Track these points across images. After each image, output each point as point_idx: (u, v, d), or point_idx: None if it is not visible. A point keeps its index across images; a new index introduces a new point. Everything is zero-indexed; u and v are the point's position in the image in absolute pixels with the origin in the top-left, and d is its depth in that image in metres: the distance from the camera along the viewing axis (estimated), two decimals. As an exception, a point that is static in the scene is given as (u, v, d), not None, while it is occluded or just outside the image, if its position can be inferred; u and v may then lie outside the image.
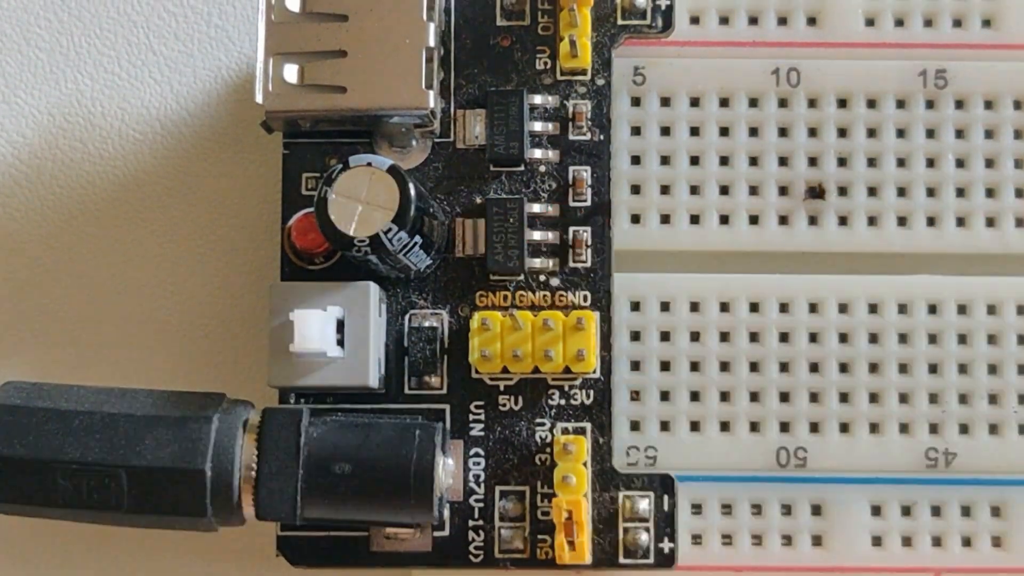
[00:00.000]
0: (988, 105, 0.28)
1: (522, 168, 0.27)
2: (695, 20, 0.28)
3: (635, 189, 0.28)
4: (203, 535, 0.27)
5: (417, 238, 0.26)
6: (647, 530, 0.27)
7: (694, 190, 0.28)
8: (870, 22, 0.28)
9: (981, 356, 0.27)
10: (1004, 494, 0.27)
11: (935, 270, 0.28)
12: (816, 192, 0.28)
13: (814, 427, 0.27)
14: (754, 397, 0.27)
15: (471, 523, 0.27)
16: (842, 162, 0.28)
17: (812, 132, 0.28)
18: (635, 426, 0.27)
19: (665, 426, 0.27)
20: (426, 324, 0.27)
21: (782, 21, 0.28)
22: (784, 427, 0.27)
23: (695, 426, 0.27)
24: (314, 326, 0.26)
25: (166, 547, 0.29)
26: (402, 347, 0.27)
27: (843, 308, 0.27)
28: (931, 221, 0.28)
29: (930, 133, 0.28)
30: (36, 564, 0.29)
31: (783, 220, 0.28)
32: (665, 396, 0.27)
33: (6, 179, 0.30)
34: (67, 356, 0.29)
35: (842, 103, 0.28)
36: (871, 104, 0.28)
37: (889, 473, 0.27)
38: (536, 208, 0.27)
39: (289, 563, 0.27)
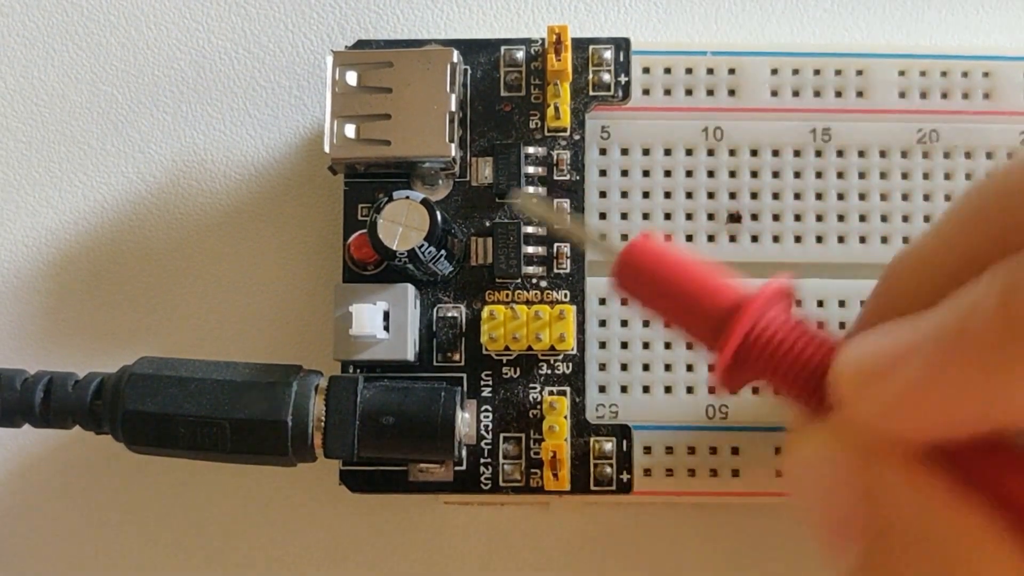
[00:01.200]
0: (861, 154, 0.28)
1: (519, 200, 0.27)
2: (646, 92, 0.28)
3: (602, 216, 0.28)
4: (285, 469, 0.27)
5: (442, 251, 0.26)
6: (611, 465, 0.27)
7: (645, 216, 0.28)
8: (774, 93, 0.28)
9: (855, 338, 0.27)
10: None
11: (821, 275, 0.28)
12: (735, 217, 0.28)
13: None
14: (689, 368, 0.27)
15: (482, 460, 0.27)
16: (754, 195, 0.28)
17: (732, 174, 0.28)
18: (602, 389, 0.27)
19: (624, 389, 0.27)
20: (449, 315, 0.27)
21: (710, 93, 0.28)
22: (711, 390, 0.27)
23: (646, 389, 0.27)
24: (367, 316, 0.26)
25: (258, 478, 0.29)
26: (431, 331, 0.27)
27: (754, 303, 0.27)
28: (819, 239, 0.28)
29: (818, 174, 0.28)
30: (159, 488, 0.29)
31: (711, 238, 0.28)
32: (624, 367, 0.27)
33: (141, 208, 0.30)
34: (186, 338, 0.29)
35: (753, 152, 0.28)
36: (775, 153, 0.28)
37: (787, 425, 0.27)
38: (529, 230, 0.27)
39: (349, 490, 0.27)
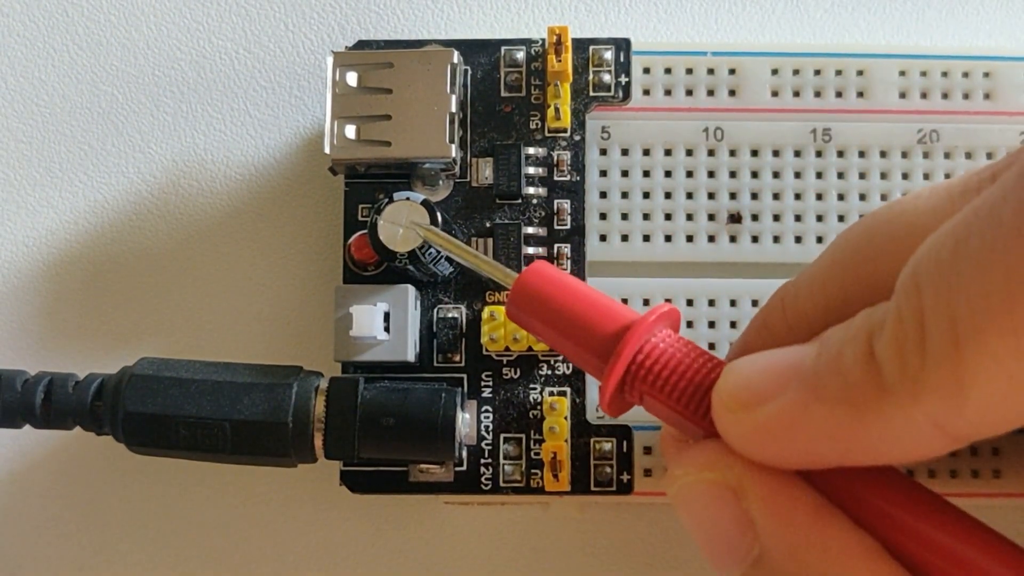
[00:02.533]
0: (861, 154, 0.28)
1: (519, 201, 0.27)
2: (647, 92, 0.28)
3: (602, 216, 0.28)
4: (285, 470, 0.27)
5: (442, 253, 0.26)
6: (611, 466, 0.27)
7: (646, 216, 0.28)
8: (775, 94, 0.28)
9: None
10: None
11: (822, 275, 0.28)
12: (735, 218, 0.28)
13: (733, 390, 0.27)
14: (690, 368, 0.27)
15: (482, 460, 0.27)
16: (754, 196, 0.28)
17: (732, 174, 0.28)
18: (602, 390, 0.27)
19: (624, 390, 0.27)
20: (449, 315, 0.27)
21: (710, 93, 0.28)
22: (712, 390, 0.27)
23: (646, 390, 0.27)
24: (368, 317, 0.26)
25: (258, 479, 0.29)
26: (432, 332, 0.27)
27: (755, 303, 0.27)
28: (819, 239, 0.28)
29: (818, 175, 0.28)
30: (160, 488, 0.29)
31: (711, 239, 0.28)
32: (625, 368, 0.27)
33: (141, 208, 0.30)
34: (187, 339, 0.29)
35: (754, 153, 0.28)
36: (775, 153, 0.28)
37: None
38: (530, 230, 0.27)
39: (349, 490, 0.27)
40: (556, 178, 0.27)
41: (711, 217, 0.28)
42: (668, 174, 0.28)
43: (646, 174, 0.28)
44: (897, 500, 0.19)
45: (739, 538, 0.19)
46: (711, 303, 0.27)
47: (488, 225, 0.27)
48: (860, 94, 0.28)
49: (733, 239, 0.28)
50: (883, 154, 0.28)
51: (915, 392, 0.16)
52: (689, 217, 0.28)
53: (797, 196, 0.28)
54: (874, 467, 0.19)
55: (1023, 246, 0.15)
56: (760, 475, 0.19)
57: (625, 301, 0.27)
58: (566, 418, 0.26)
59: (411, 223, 0.25)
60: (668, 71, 0.28)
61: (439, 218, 0.25)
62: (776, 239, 0.28)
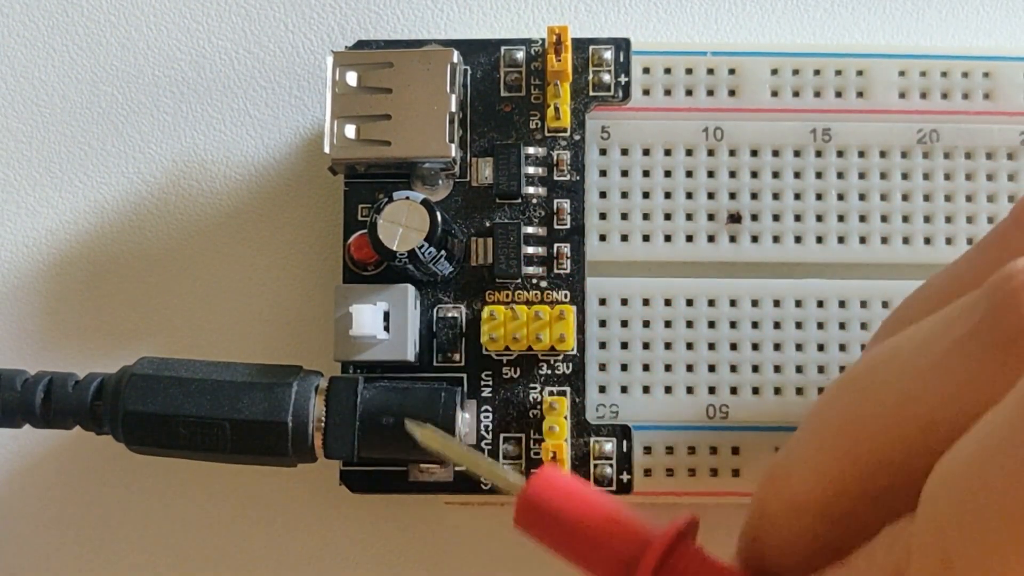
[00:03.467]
0: (861, 154, 0.28)
1: (519, 201, 0.27)
2: (646, 92, 0.28)
3: (602, 216, 0.28)
4: (285, 470, 0.27)
5: (442, 252, 0.26)
6: (611, 466, 0.27)
7: (645, 216, 0.28)
8: (775, 94, 0.28)
9: (855, 339, 0.27)
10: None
11: (822, 275, 0.28)
12: (735, 218, 0.28)
13: (733, 390, 0.27)
14: (689, 368, 0.27)
15: (482, 460, 0.27)
16: (754, 196, 0.28)
17: (732, 174, 0.28)
18: (602, 389, 0.27)
19: (624, 389, 0.27)
20: (449, 315, 0.27)
21: (710, 93, 0.28)
22: (711, 390, 0.27)
23: (646, 389, 0.27)
24: (367, 316, 0.26)
25: (258, 479, 0.29)
26: (432, 331, 0.27)
27: (754, 303, 0.27)
28: (819, 239, 0.28)
29: (818, 175, 0.28)
30: (159, 488, 0.29)
31: (711, 238, 0.28)
32: (624, 367, 0.27)
33: (141, 208, 0.30)
34: (186, 338, 0.29)
35: (754, 153, 0.28)
36: (775, 153, 0.28)
37: (788, 424, 0.27)
38: (530, 230, 0.27)
39: (349, 490, 0.27)
40: (556, 178, 0.27)
41: (711, 217, 0.28)
42: (668, 174, 0.28)
43: (646, 174, 0.28)
44: None
45: None
46: (711, 303, 0.27)
47: (488, 225, 0.27)
48: (860, 94, 0.28)
49: (733, 239, 0.28)
50: (883, 154, 0.28)
51: None
52: (689, 217, 0.28)
53: (797, 196, 0.28)
54: None
55: None
56: None
57: (625, 302, 0.27)
58: (566, 418, 0.26)
59: (415, 428, 0.23)
60: (668, 71, 0.28)
61: (439, 218, 0.25)
62: (776, 239, 0.28)
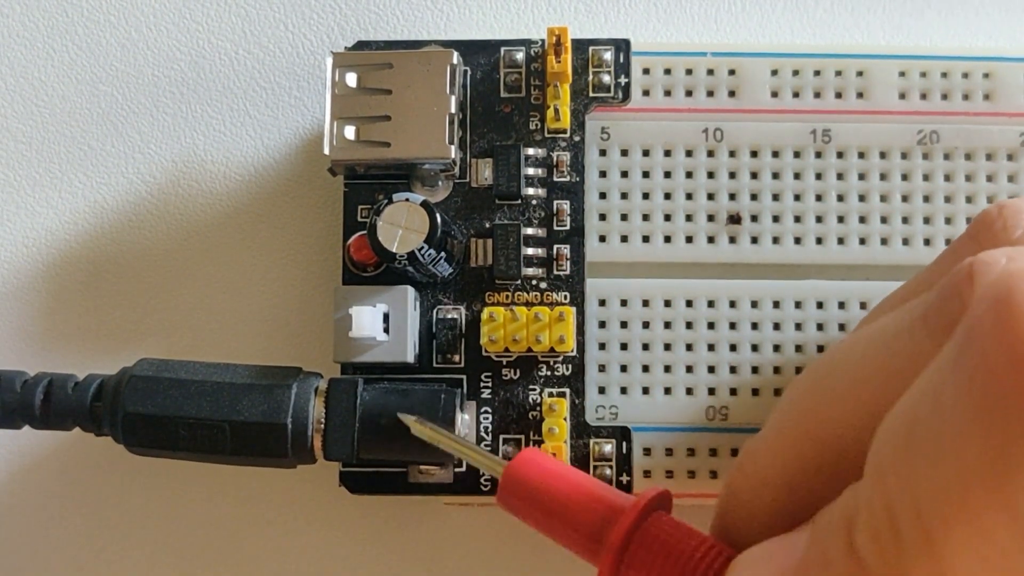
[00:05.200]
0: (861, 155, 0.28)
1: (519, 202, 0.27)
2: (646, 93, 0.28)
3: (602, 217, 0.28)
4: (285, 471, 0.27)
5: (442, 253, 0.26)
6: (611, 467, 0.27)
7: (645, 217, 0.28)
8: (774, 94, 0.28)
9: (855, 340, 0.27)
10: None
11: (821, 276, 0.28)
12: (735, 219, 0.28)
13: (733, 392, 0.27)
14: (689, 369, 0.27)
15: (482, 462, 0.27)
16: (754, 197, 0.28)
17: (732, 175, 0.28)
18: (602, 391, 0.27)
19: (624, 391, 0.27)
20: (449, 316, 0.27)
21: (710, 94, 0.28)
22: (711, 391, 0.27)
23: (646, 390, 0.27)
24: (367, 318, 0.26)
25: (258, 480, 0.29)
26: (431, 333, 0.27)
27: (754, 304, 0.27)
28: (819, 240, 0.28)
29: (818, 176, 0.28)
30: (159, 490, 0.29)
31: (711, 239, 0.28)
32: (624, 369, 0.27)
33: (141, 209, 0.30)
34: (186, 340, 0.29)
35: (754, 154, 0.28)
36: (775, 154, 0.28)
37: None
38: (529, 231, 0.27)
39: (349, 491, 0.27)
40: (556, 179, 0.27)
41: (711, 218, 0.28)
42: (668, 175, 0.28)
43: (646, 175, 0.28)
44: None
45: None
46: (710, 304, 0.27)
47: (488, 226, 0.27)
48: (860, 95, 0.28)
49: (733, 240, 0.28)
50: (883, 155, 0.28)
51: None
52: (688, 218, 0.28)
53: (797, 197, 0.28)
54: None
55: (967, 436, 0.15)
56: None
57: (624, 303, 0.27)
58: (565, 419, 0.26)
59: (408, 418, 0.25)
60: (668, 72, 0.28)
61: (438, 219, 0.25)
62: (776, 240, 0.28)
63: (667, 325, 0.27)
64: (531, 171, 0.27)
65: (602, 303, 0.27)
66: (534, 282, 0.27)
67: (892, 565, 0.16)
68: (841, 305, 0.27)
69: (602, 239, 0.28)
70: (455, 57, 0.27)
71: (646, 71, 0.28)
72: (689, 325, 0.27)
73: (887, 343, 0.19)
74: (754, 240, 0.28)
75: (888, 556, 0.16)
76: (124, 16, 0.30)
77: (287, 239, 0.29)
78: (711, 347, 0.27)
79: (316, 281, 0.29)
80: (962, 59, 0.28)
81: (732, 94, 0.28)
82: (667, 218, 0.28)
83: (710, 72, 0.28)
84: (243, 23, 0.30)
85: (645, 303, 0.27)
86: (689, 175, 0.28)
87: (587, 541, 0.21)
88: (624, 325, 0.27)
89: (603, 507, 0.21)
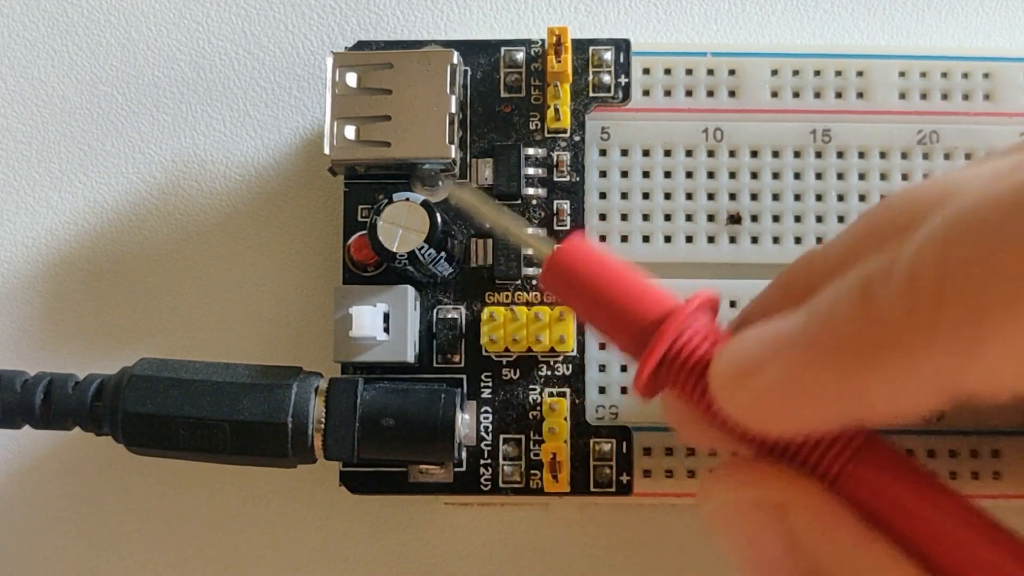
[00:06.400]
0: (861, 155, 0.28)
1: (519, 201, 0.27)
2: (646, 93, 0.28)
3: (602, 217, 0.28)
4: (285, 471, 0.27)
5: (442, 253, 0.26)
6: (611, 467, 0.27)
7: (645, 217, 0.28)
8: (775, 94, 0.28)
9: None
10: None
11: (822, 276, 0.28)
12: (735, 219, 0.28)
13: (733, 391, 0.27)
14: (689, 369, 0.27)
15: (481, 461, 0.27)
16: (754, 197, 0.28)
17: (732, 175, 0.28)
18: (602, 390, 0.27)
19: (624, 391, 0.27)
20: (449, 316, 0.27)
21: (710, 94, 0.28)
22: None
23: (646, 390, 0.27)
24: (367, 318, 0.26)
25: (258, 479, 0.29)
26: (431, 333, 0.27)
27: (754, 304, 0.27)
28: (819, 240, 0.28)
29: (818, 176, 0.28)
30: (159, 489, 0.29)
31: (711, 239, 0.28)
32: (624, 369, 0.27)
33: (141, 209, 0.30)
34: (186, 339, 0.29)
35: (754, 154, 0.28)
36: (775, 154, 0.28)
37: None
38: (529, 231, 0.27)
39: (349, 491, 0.27)
40: (556, 179, 0.27)
41: (711, 218, 0.28)
42: (668, 175, 0.28)
43: (646, 175, 0.28)
44: (908, 489, 0.18)
45: (786, 556, 0.18)
46: (711, 304, 0.27)
47: (487, 226, 0.27)
48: (860, 95, 0.28)
49: (733, 240, 0.28)
50: (883, 155, 0.28)
51: (922, 344, 0.16)
52: (689, 218, 0.28)
53: (797, 197, 0.28)
54: (886, 458, 0.18)
55: None
56: (805, 492, 0.18)
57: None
58: (565, 419, 0.26)
59: (455, 187, 0.24)
60: (668, 72, 0.28)
61: (438, 219, 0.25)
62: (776, 240, 0.28)
63: (667, 325, 0.27)
64: (531, 171, 0.27)
65: (602, 303, 0.27)
66: (534, 282, 0.27)
67: (921, 323, 0.16)
68: (841, 305, 0.27)
69: (602, 239, 0.28)
70: (455, 57, 0.27)
71: (646, 71, 0.28)
72: (689, 325, 0.27)
73: (999, 175, 0.18)
74: (754, 240, 0.28)
75: (919, 313, 0.16)
76: (124, 16, 0.30)
77: (287, 239, 0.29)
78: (711, 347, 0.27)
79: (316, 281, 0.29)
80: (962, 59, 0.28)
81: (732, 94, 0.28)
82: (667, 218, 0.28)
83: (710, 72, 0.28)
84: (243, 23, 0.30)
85: (645, 303, 0.27)
86: (689, 175, 0.28)
87: (630, 339, 0.20)
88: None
89: (651, 303, 0.20)
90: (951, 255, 0.16)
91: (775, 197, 0.28)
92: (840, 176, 0.28)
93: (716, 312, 0.21)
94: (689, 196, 0.28)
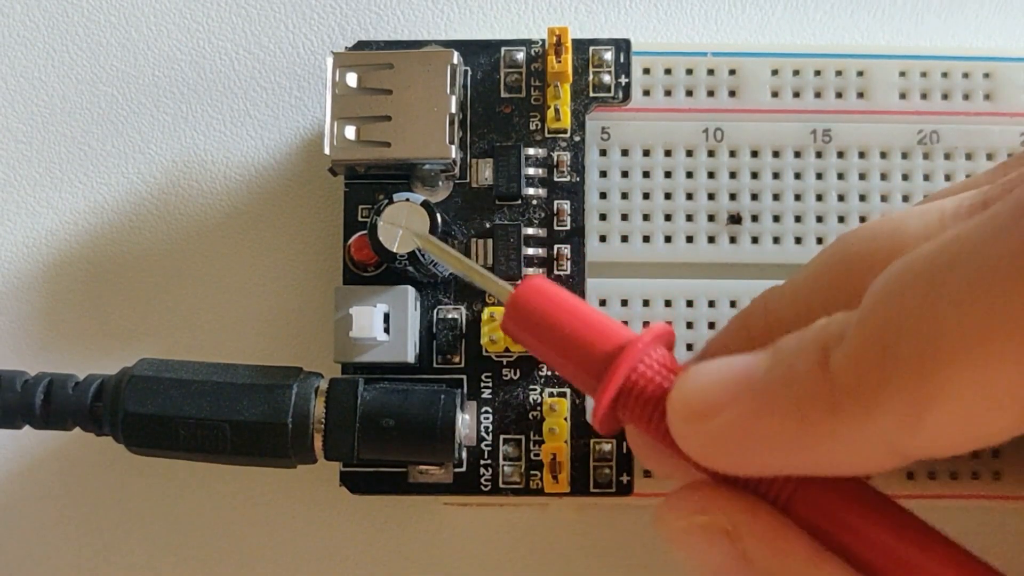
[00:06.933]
0: (861, 155, 0.28)
1: (519, 202, 0.27)
2: (647, 93, 0.28)
3: (602, 217, 0.28)
4: (285, 471, 0.27)
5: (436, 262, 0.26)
6: (611, 467, 0.27)
7: (645, 217, 0.28)
8: (775, 94, 0.28)
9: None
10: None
11: (822, 276, 0.28)
12: (735, 219, 0.28)
13: (733, 391, 0.27)
14: (689, 369, 0.27)
15: (482, 462, 0.27)
16: (754, 197, 0.28)
17: (732, 175, 0.28)
18: (602, 391, 0.27)
19: (624, 391, 0.27)
20: (449, 316, 0.27)
21: (710, 94, 0.28)
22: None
23: (646, 391, 0.27)
24: (367, 318, 0.26)
25: (258, 480, 0.29)
26: (432, 333, 0.27)
27: (755, 304, 0.27)
28: (819, 240, 0.28)
29: (819, 176, 0.28)
30: (159, 489, 0.29)
31: (711, 239, 0.28)
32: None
33: (141, 209, 0.30)
34: (186, 340, 0.29)
35: (754, 154, 0.28)
36: (775, 154, 0.28)
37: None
38: (529, 231, 0.27)
39: (349, 491, 0.27)
40: (556, 179, 0.27)
41: (711, 218, 0.28)
42: (668, 175, 0.28)
43: (646, 175, 0.28)
44: (858, 512, 0.19)
45: (737, 574, 0.19)
46: (711, 304, 0.27)
47: (488, 226, 0.27)
48: (860, 95, 0.28)
49: (733, 240, 0.28)
50: (883, 155, 0.28)
51: (870, 408, 0.16)
52: (689, 218, 0.28)
53: (797, 197, 0.28)
54: (836, 480, 0.19)
55: (1006, 288, 0.15)
56: (754, 517, 0.19)
57: (625, 303, 0.27)
58: (566, 419, 0.26)
59: (408, 230, 0.25)
60: (668, 72, 0.28)
61: (439, 219, 0.25)
62: (776, 240, 0.28)
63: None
64: (531, 171, 0.27)
65: (603, 303, 0.27)
66: (534, 282, 0.27)
67: (867, 388, 0.16)
68: (841, 305, 0.27)
69: (602, 239, 0.28)
70: (455, 57, 0.27)
71: (646, 71, 0.28)
72: (690, 325, 0.27)
73: (944, 222, 0.19)
74: (754, 240, 0.28)
75: (866, 379, 0.16)
76: (124, 16, 0.30)
77: (287, 239, 0.29)
78: (711, 347, 0.27)
79: (316, 281, 0.29)
80: (962, 59, 0.28)
81: (732, 94, 0.28)
82: (667, 218, 0.28)
83: (710, 72, 0.28)
84: (243, 23, 0.30)
85: (646, 303, 0.27)
86: (689, 175, 0.28)
87: (587, 375, 0.21)
88: (625, 325, 0.27)
89: (607, 341, 0.20)
90: (891, 320, 0.16)
91: (775, 197, 0.28)
92: (840, 176, 0.28)
93: (672, 346, 0.21)
94: (689, 196, 0.28)
